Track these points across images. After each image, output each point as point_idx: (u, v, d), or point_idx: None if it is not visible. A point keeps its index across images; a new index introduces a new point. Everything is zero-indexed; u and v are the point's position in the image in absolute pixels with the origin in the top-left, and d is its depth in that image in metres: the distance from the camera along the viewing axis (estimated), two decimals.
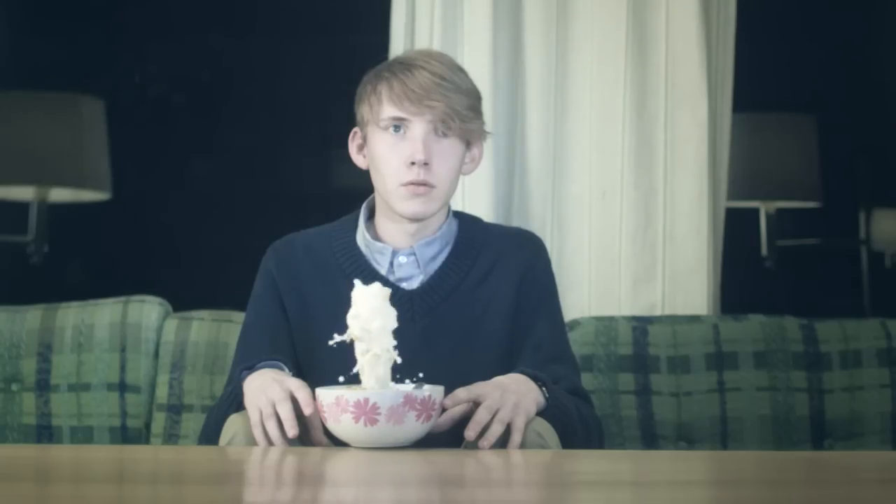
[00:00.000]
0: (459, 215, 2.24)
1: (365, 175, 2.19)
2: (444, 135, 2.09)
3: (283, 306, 2.15)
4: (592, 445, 2.07)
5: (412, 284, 2.14)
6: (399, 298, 2.07)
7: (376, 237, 2.16)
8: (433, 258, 2.15)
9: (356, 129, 2.18)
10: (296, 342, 2.13)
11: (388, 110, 2.08)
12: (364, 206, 2.20)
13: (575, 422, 2.03)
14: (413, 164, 2.07)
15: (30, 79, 3.77)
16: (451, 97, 2.07)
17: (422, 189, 2.08)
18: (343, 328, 1.86)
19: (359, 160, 2.18)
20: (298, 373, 2.07)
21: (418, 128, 2.08)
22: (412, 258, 2.15)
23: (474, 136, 2.15)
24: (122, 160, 3.71)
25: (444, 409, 1.88)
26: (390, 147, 2.09)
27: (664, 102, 2.83)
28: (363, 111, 2.14)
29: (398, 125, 2.08)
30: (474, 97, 2.13)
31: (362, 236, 2.16)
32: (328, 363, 1.96)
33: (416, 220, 2.12)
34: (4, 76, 3.81)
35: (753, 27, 3.04)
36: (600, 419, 2.20)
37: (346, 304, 1.87)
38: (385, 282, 2.10)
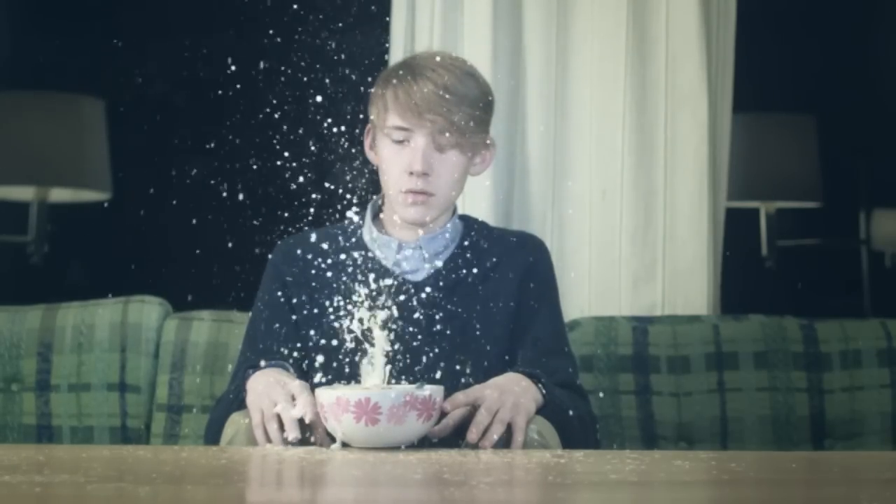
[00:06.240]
0: (465, 218, 2.25)
1: (366, 177, 2.19)
2: (444, 147, 2.10)
3: (291, 301, 2.15)
4: (589, 439, 2.08)
5: (417, 277, 2.15)
6: (404, 290, 2.09)
7: (383, 232, 2.17)
8: (438, 253, 2.16)
9: (370, 126, 2.20)
10: (302, 336, 2.13)
11: (392, 119, 2.11)
12: (371, 204, 2.22)
13: (571, 417, 2.04)
14: (412, 173, 2.08)
15: (30, 79, 3.77)
16: (451, 111, 2.07)
17: (420, 197, 2.11)
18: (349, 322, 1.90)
19: (371, 156, 2.21)
20: (302, 371, 2.08)
21: (419, 139, 2.10)
22: (418, 251, 2.16)
23: (477, 148, 2.16)
24: (122, 160, 3.71)
25: (443, 413, 1.89)
26: (393, 154, 2.12)
27: (664, 102, 2.83)
28: (373, 114, 2.16)
29: (401, 134, 2.10)
30: (480, 107, 2.13)
31: (368, 231, 2.18)
32: (334, 358, 1.97)
33: (415, 225, 2.14)
34: (4, 76, 3.81)
35: (753, 27, 3.04)
36: (595, 415, 2.20)
37: (352, 297, 1.90)
38: (390, 273, 2.12)
